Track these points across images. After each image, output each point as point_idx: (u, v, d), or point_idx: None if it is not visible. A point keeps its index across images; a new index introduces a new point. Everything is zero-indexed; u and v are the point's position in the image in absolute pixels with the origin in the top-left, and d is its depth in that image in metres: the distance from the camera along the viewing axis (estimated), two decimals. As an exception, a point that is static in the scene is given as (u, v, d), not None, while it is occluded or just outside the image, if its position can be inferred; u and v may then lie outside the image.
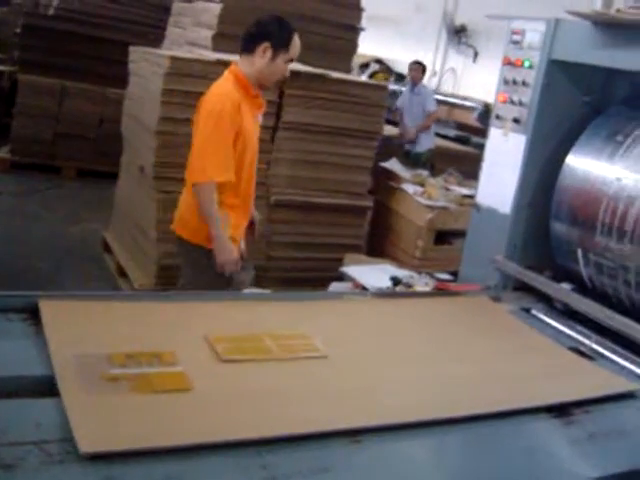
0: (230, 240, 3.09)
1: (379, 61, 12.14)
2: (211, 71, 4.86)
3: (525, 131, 3.07)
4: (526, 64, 3.07)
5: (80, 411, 1.70)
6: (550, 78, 3.03)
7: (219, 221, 3.06)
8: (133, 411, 1.77)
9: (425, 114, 8.41)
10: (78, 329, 2.18)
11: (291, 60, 3.25)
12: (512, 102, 3.13)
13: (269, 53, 3.18)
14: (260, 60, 3.20)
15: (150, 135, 5.02)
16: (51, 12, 8.60)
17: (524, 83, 3.08)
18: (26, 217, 6.81)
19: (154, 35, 7.87)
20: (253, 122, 3.30)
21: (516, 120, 3.10)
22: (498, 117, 3.21)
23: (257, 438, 1.73)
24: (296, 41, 3.22)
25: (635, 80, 3.02)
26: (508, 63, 3.17)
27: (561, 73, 3.04)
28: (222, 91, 3.22)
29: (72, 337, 2.10)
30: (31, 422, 1.67)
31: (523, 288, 3.14)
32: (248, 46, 3.23)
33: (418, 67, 8.72)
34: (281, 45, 3.18)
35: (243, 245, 3.35)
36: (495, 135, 3.23)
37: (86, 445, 1.57)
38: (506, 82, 3.18)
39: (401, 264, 3.35)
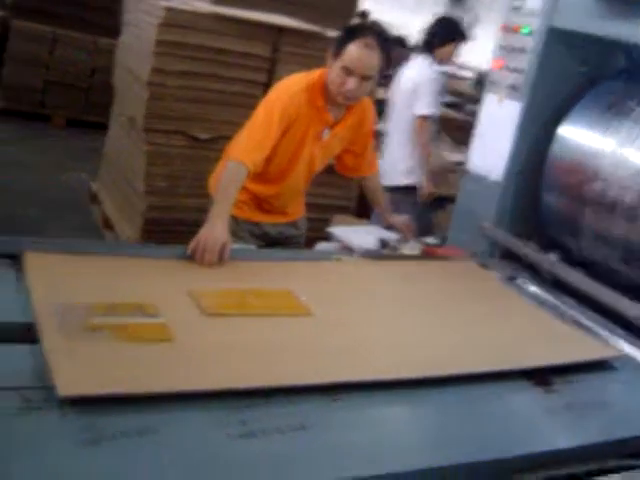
0: (224, 226, 2.64)
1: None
2: (207, 24, 4.83)
3: (520, 98, 3.05)
4: (525, 30, 3.03)
5: (60, 357, 1.69)
6: (549, 46, 2.99)
7: (225, 203, 2.73)
8: (113, 358, 1.77)
9: None
10: (60, 279, 2.16)
11: (348, 71, 2.81)
12: (508, 69, 3.10)
13: (329, 62, 2.89)
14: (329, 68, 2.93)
15: (141, 86, 4.96)
16: (46, -43, 8.47)
17: (522, 50, 3.04)
18: (14, 164, 6.74)
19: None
20: (314, 136, 2.99)
21: (512, 87, 3.07)
22: (493, 83, 3.18)
23: (237, 389, 1.73)
24: (352, 49, 2.79)
25: (632, 53, 2.99)
26: (506, 29, 3.14)
27: (560, 41, 3.00)
28: (289, 84, 2.98)
29: (54, 286, 2.08)
30: (11, 368, 1.67)
31: (510, 256, 3.13)
32: None
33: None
34: (335, 50, 2.86)
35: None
36: (489, 101, 3.20)
37: (64, 389, 1.56)
38: (503, 48, 3.14)
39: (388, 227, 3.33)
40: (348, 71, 2.81)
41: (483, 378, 2.07)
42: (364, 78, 2.83)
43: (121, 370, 1.72)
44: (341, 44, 2.84)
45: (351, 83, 2.82)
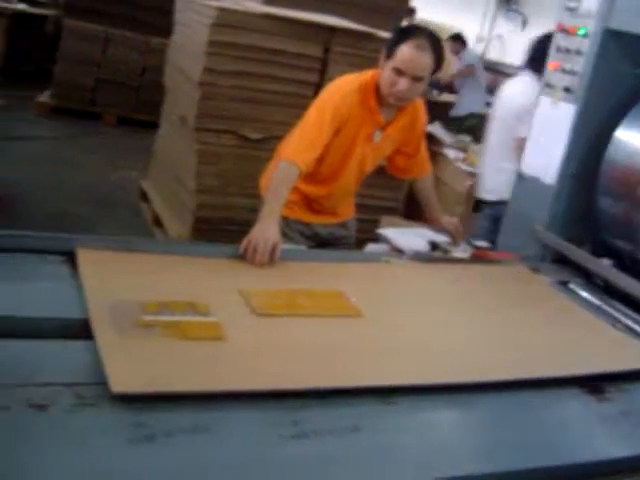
0: (275, 226, 2.64)
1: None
2: (258, 24, 4.84)
3: (575, 101, 3.00)
4: (581, 32, 2.99)
5: (113, 353, 1.70)
6: (605, 48, 2.94)
7: (276, 204, 2.73)
8: (166, 355, 1.78)
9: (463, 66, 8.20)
10: (113, 276, 2.18)
11: (399, 72, 2.80)
12: (564, 71, 3.06)
13: (382, 62, 2.89)
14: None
15: (193, 86, 5.00)
16: (99, -44, 8.56)
17: (577, 52, 3.00)
18: (65, 162, 6.84)
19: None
20: (365, 137, 3.00)
21: (567, 89, 3.03)
22: (548, 85, 3.14)
23: (289, 389, 1.73)
24: (404, 50, 2.78)
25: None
26: (562, 30, 3.09)
27: (616, 43, 2.95)
28: (341, 85, 2.99)
29: (107, 283, 2.10)
30: (64, 364, 1.68)
31: (562, 261, 3.09)
32: None
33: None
34: (387, 51, 2.86)
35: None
36: (544, 103, 3.16)
37: (118, 386, 1.57)
38: (559, 50, 3.10)
39: (438, 230, 3.30)
40: (399, 72, 2.80)
41: (534, 384, 2.04)
42: (415, 79, 2.81)
43: (174, 368, 1.73)
44: (393, 45, 2.83)
45: (402, 84, 2.81)
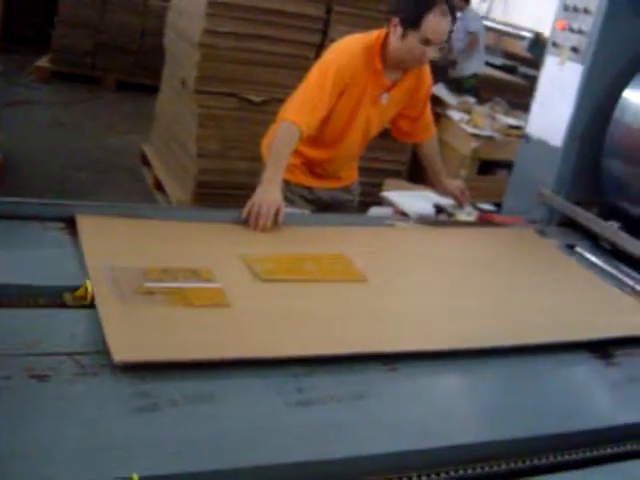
0: (278, 189, 2.62)
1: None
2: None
3: (583, 61, 2.95)
4: (589, -10, 2.93)
5: (115, 321, 1.68)
6: (614, 7, 2.88)
7: (278, 166, 2.69)
8: (169, 323, 1.75)
9: (466, 35, 8.05)
10: (114, 243, 2.14)
11: (428, 42, 2.73)
12: (571, 30, 3.00)
13: (399, 30, 2.78)
14: (392, 37, 2.82)
15: (193, 48, 4.94)
16: None
17: (586, 10, 2.94)
18: (66, 127, 6.79)
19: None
20: (370, 99, 2.92)
21: (574, 49, 2.98)
22: (555, 45, 3.08)
23: (294, 356, 1.71)
24: (431, 21, 2.69)
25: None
26: (570, -12, 3.03)
27: (625, 3, 2.89)
28: (346, 46, 2.92)
29: (108, 250, 2.06)
30: (65, 333, 1.65)
31: (568, 224, 3.06)
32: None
33: None
34: (409, 23, 2.75)
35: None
36: (551, 64, 3.10)
37: (120, 354, 1.55)
38: (566, 8, 3.04)
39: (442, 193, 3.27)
40: (428, 42, 2.74)
41: (543, 349, 2.02)
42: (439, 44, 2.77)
43: (177, 336, 1.71)
44: (416, 15, 2.73)
45: (431, 52, 2.76)
